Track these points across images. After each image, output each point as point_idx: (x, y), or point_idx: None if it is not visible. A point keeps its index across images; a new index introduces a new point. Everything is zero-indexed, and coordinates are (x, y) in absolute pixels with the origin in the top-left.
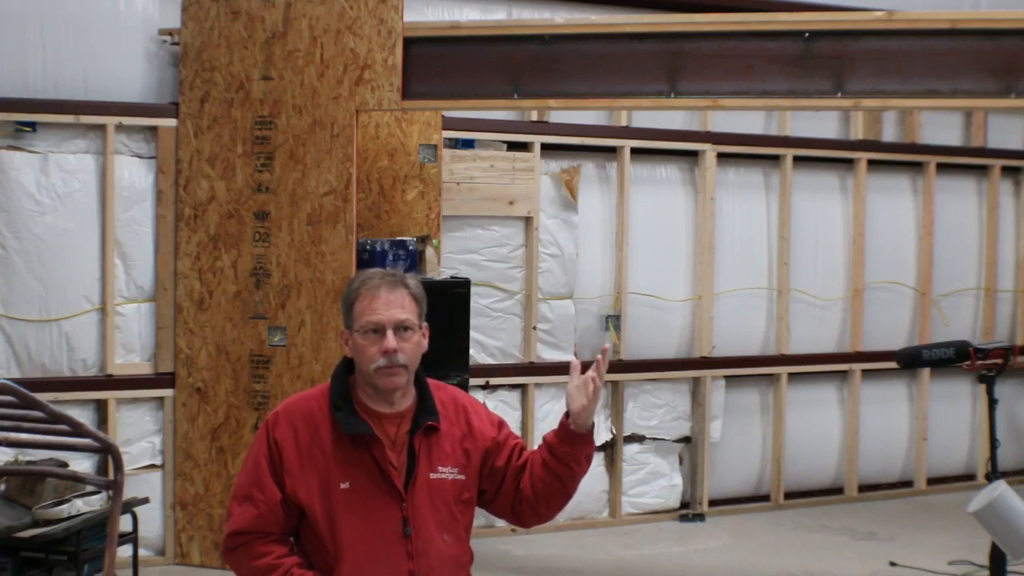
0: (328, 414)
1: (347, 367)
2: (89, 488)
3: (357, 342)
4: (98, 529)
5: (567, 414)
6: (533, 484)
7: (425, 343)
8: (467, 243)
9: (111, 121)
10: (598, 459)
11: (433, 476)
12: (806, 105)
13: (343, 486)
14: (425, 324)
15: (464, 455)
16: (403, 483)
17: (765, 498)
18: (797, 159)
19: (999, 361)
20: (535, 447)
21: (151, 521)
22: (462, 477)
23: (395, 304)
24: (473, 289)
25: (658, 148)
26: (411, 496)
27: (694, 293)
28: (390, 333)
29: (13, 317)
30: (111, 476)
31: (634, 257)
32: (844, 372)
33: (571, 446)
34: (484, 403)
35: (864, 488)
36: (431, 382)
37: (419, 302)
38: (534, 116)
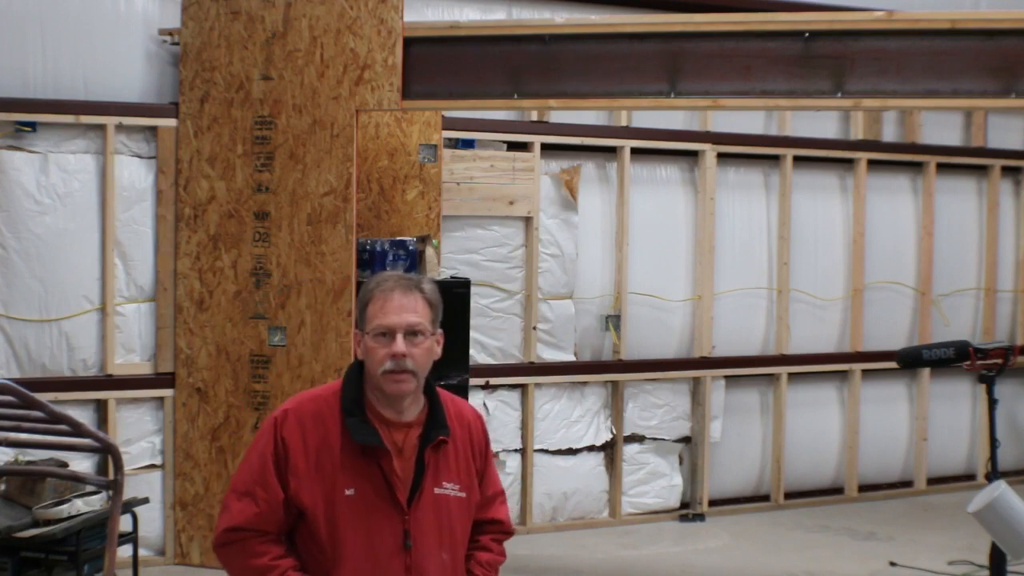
0: (338, 417)
1: (360, 369)
2: (89, 488)
3: (367, 344)
4: (98, 529)
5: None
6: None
7: (438, 350)
8: (467, 243)
9: (111, 121)
10: (598, 459)
11: (438, 491)
12: (806, 105)
13: (348, 492)
14: (440, 331)
15: (467, 474)
16: (407, 495)
17: (765, 498)
18: (797, 159)
19: (999, 361)
20: (535, 447)
21: (151, 521)
22: (463, 495)
23: (408, 308)
24: (473, 289)
25: (658, 148)
26: (414, 510)
27: (694, 293)
28: (399, 337)
29: (13, 317)
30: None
31: (634, 257)
32: (844, 372)
33: None
34: (482, 415)
35: (864, 488)
36: (440, 392)
37: (433, 307)
38: (534, 116)
